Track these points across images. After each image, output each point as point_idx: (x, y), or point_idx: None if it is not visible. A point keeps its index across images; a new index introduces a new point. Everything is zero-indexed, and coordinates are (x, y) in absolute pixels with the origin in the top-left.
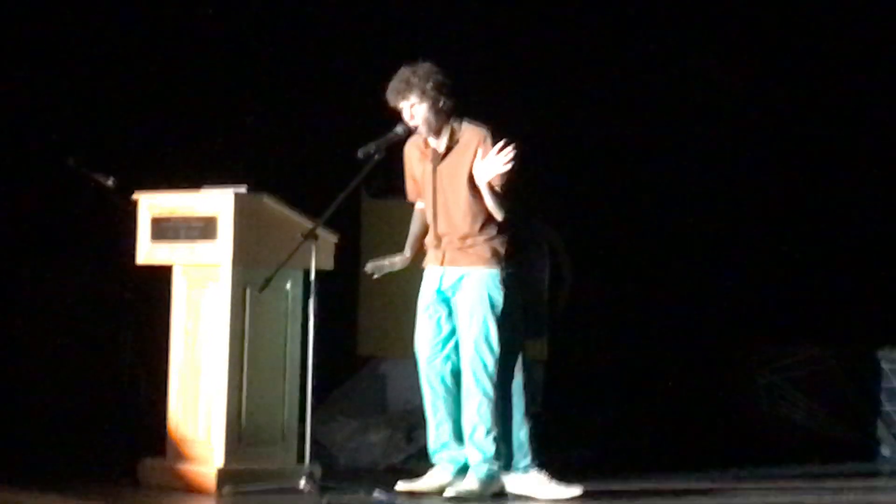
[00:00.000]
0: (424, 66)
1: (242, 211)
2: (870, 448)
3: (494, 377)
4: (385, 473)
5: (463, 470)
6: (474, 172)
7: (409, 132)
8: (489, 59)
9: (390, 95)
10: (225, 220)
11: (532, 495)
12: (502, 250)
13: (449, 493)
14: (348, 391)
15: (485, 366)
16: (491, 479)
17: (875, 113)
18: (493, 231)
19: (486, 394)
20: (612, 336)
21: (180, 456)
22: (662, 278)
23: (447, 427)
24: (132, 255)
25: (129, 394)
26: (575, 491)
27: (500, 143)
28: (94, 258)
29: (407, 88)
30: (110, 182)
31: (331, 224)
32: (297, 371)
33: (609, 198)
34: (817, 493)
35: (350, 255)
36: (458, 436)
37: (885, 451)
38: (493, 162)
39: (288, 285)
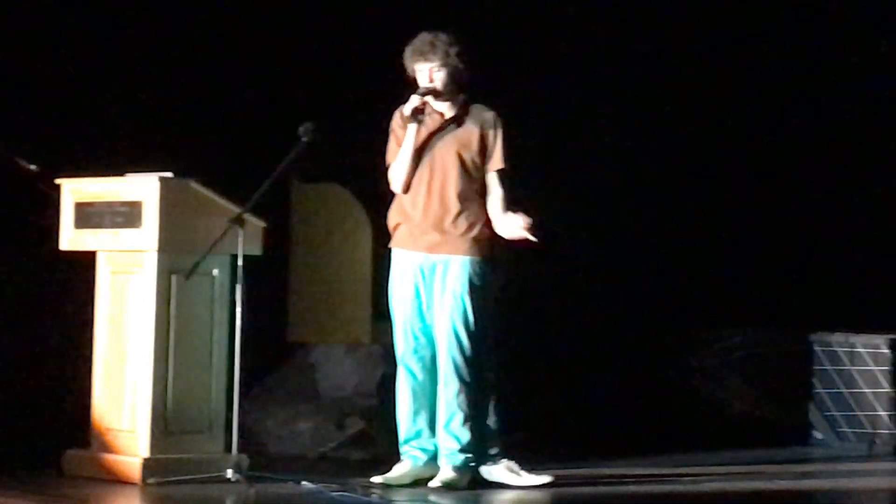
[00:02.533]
0: (447, 34)
1: (168, 196)
2: (803, 431)
3: (474, 365)
4: (315, 462)
5: (433, 460)
6: (498, 226)
7: (428, 93)
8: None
9: (411, 55)
10: (150, 205)
11: (505, 482)
12: (485, 237)
13: (434, 483)
14: (278, 379)
15: (464, 354)
16: (467, 467)
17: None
18: (479, 217)
19: (464, 381)
20: (549, 321)
21: (105, 446)
22: (600, 263)
23: (424, 416)
24: (56, 242)
25: (52, 383)
26: (545, 479)
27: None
28: (16, 245)
29: (431, 51)
30: (33, 167)
31: (260, 209)
32: (225, 359)
33: (550, 181)
34: (750, 479)
35: (280, 241)
36: (432, 426)
37: (819, 434)
38: (516, 228)
39: (215, 271)
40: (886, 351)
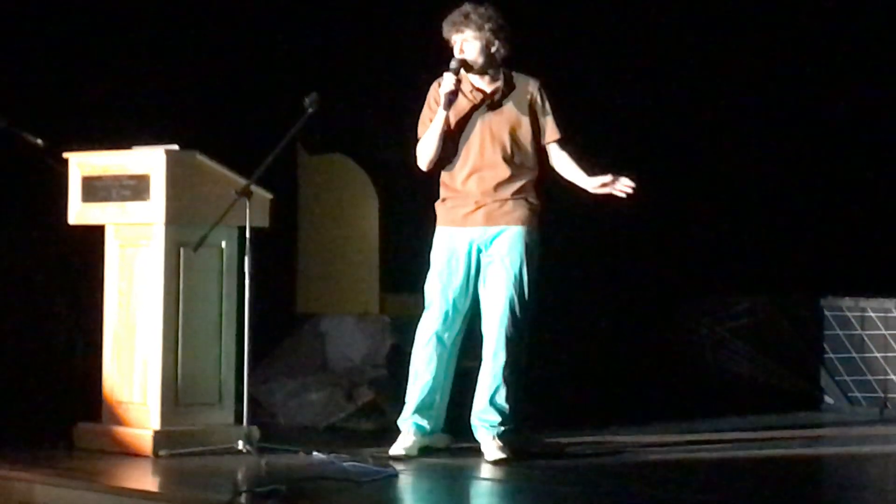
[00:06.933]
0: (487, 7)
1: (175, 169)
2: (814, 397)
3: (522, 338)
4: (325, 433)
5: (434, 430)
6: (585, 185)
7: (460, 68)
8: None
9: (446, 27)
10: (157, 178)
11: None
12: (539, 208)
13: (490, 457)
14: (287, 350)
15: (517, 327)
16: (509, 439)
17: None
18: (532, 188)
19: (512, 354)
20: (555, 290)
21: (116, 419)
22: (605, 232)
23: (440, 391)
24: (64, 216)
25: (62, 357)
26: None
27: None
28: (24, 219)
29: (464, 22)
30: (39, 142)
31: (267, 181)
32: (234, 330)
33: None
34: (763, 446)
35: (287, 213)
36: (441, 401)
37: (830, 399)
38: (612, 187)
39: (223, 243)
40: None
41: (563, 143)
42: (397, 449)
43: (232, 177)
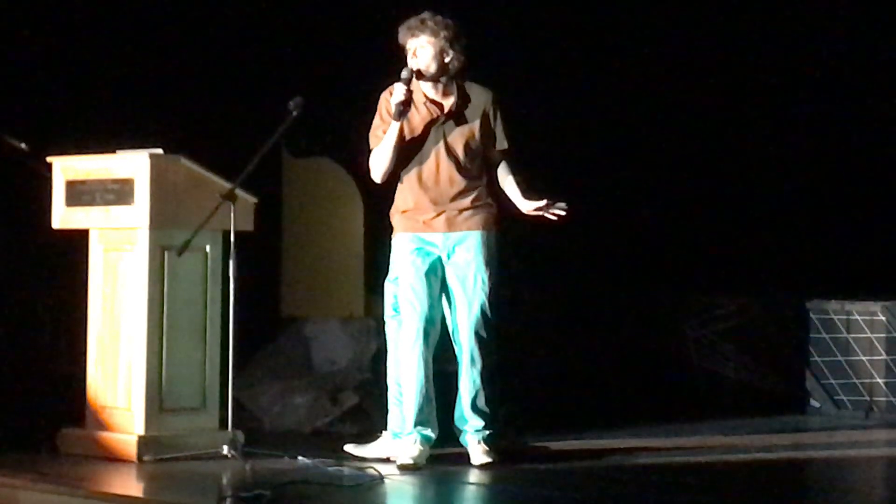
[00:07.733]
0: (446, 18)
1: (159, 173)
2: (800, 399)
3: (495, 340)
4: (311, 436)
5: (433, 444)
6: (519, 205)
7: (412, 78)
8: None
9: (402, 32)
10: (141, 182)
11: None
12: (496, 210)
13: (476, 461)
14: (272, 353)
15: (489, 330)
16: (496, 442)
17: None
18: (487, 194)
19: (489, 358)
20: (540, 291)
21: (100, 424)
22: (590, 231)
23: (433, 396)
24: (48, 220)
25: (47, 362)
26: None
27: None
28: (8, 224)
29: (420, 28)
30: (24, 146)
31: (251, 185)
32: (219, 334)
33: (540, 145)
34: (748, 449)
35: (272, 216)
36: (432, 408)
37: (815, 402)
38: (542, 210)
39: (207, 247)
40: (882, 318)
41: (508, 155)
42: (404, 458)
43: (216, 181)
